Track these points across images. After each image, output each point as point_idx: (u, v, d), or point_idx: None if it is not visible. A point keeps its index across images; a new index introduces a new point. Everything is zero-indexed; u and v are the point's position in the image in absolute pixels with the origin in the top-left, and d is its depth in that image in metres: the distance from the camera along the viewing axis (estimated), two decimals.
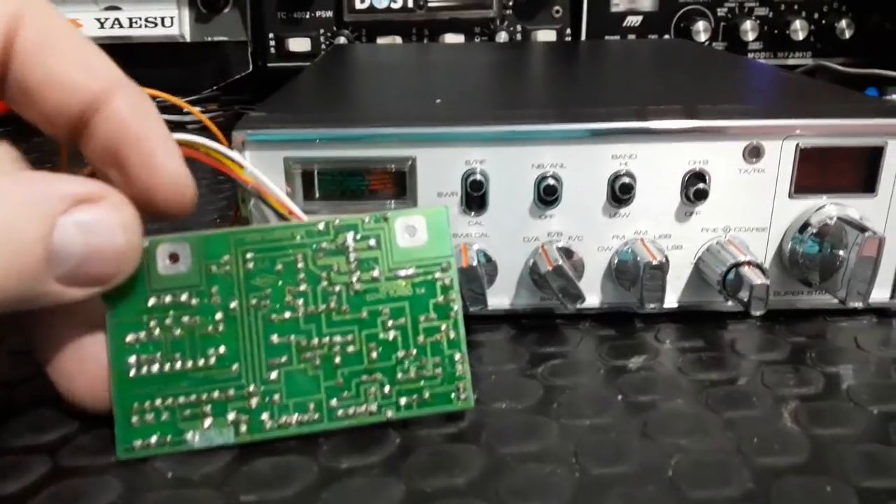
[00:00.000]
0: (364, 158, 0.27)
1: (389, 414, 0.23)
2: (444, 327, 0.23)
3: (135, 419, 0.22)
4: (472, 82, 0.41)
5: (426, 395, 0.23)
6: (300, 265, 0.23)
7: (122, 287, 0.22)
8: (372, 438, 0.23)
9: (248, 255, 0.23)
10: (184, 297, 0.22)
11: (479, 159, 0.27)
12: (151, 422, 0.22)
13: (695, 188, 0.27)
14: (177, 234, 0.23)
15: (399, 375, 0.23)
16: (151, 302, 0.22)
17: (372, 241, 0.23)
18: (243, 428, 0.22)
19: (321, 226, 0.23)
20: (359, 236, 0.23)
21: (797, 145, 0.27)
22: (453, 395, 0.23)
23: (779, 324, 0.29)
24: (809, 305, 0.30)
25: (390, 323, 0.23)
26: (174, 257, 0.22)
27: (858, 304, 0.27)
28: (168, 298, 0.22)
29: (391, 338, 0.23)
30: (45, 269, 0.19)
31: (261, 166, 0.27)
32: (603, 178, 0.28)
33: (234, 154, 0.25)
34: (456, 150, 0.27)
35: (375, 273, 0.23)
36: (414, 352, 0.23)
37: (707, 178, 0.28)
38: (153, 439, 0.22)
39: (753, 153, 0.27)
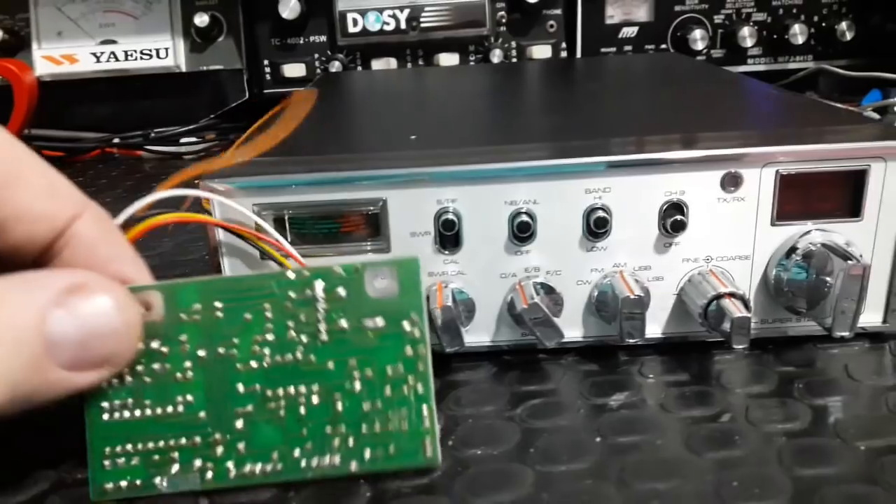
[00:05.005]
0: (335, 202, 0.27)
1: (353, 467, 0.22)
2: (411, 380, 0.22)
3: (107, 462, 0.22)
4: (454, 112, 0.41)
5: (391, 449, 0.22)
6: (268, 315, 0.23)
7: None
8: (342, 491, 0.22)
9: (218, 305, 0.23)
10: (155, 345, 0.22)
11: (450, 198, 0.27)
12: (123, 466, 0.22)
13: (672, 219, 0.27)
14: (150, 283, 0.23)
15: (364, 428, 0.22)
16: None
17: (341, 291, 0.23)
18: (209, 475, 0.22)
19: (291, 275, 0.23)
20: (328, 286, 0.23)
21: (777, 172, 0.27)
22: (419, 451, 0.22)
23: (767, 353, 0.29)
24: (799, 332, 0.29)
25: (356, 374, 0.23)
26: (147, 306, 0.22)
27: (845, 334, 0.26)
28: (140, 346, 0.22)
29: (357, 390, 0.23)
30: (47, 358, 0.20)
31: (231, 213, 0.27)
32: (577, 213, 0.27)
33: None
34: (426, 191, 0.27)
35: (343, 323, 0.23)
36: (380, 404, 0.22)
37: (685, 208, 0.27)
38: (124, 483, 0.22)
39: (731, 182, 0.27)
